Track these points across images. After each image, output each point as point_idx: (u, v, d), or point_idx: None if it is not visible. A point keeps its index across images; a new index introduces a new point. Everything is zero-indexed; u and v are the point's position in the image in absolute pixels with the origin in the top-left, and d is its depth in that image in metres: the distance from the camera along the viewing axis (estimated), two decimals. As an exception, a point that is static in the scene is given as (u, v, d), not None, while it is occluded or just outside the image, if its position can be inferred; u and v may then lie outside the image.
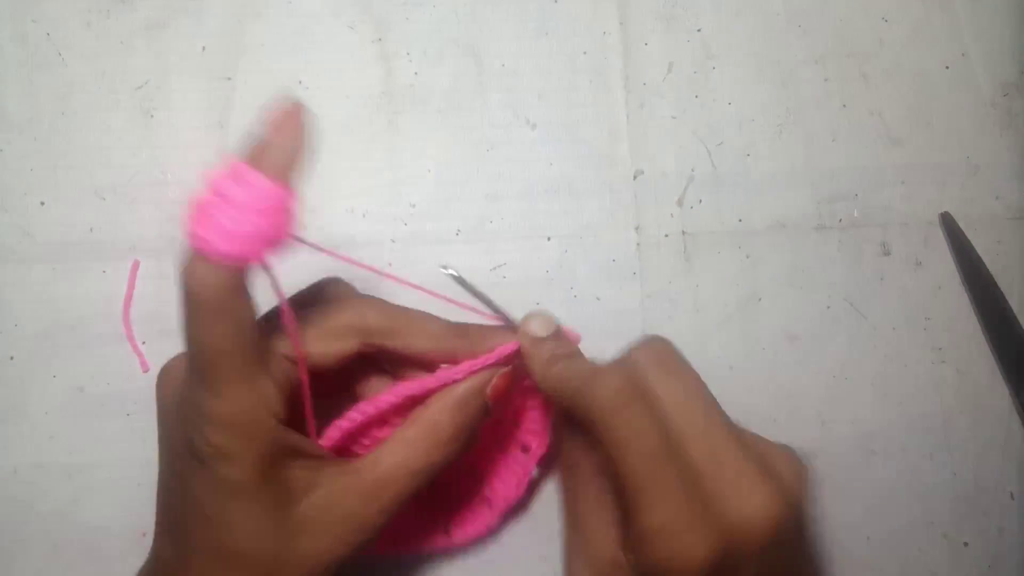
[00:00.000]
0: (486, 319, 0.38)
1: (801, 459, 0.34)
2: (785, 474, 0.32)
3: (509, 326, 0.37)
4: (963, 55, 0.50)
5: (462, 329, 0.37)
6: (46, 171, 0.45)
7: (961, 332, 0.47)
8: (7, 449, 0.43)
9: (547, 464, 0.42)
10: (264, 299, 0.32)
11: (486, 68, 0.48)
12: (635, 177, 0.47)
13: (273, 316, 0.33)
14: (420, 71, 0.47)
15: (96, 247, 0.44)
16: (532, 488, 0.41)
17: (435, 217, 0.46)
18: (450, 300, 0.37)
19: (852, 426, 0.46)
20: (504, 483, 0.40)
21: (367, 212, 0.46)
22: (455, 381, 0.34)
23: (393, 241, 0.46)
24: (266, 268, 0.30)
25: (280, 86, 0.46)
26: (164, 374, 0.34)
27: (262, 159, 0.29)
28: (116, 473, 0.43)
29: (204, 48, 0.47)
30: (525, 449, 0.41)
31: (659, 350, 0.35)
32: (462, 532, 0.40)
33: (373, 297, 0.37)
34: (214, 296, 0.29)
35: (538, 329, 0.36)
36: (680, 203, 0.47)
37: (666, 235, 0.47)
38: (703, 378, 0.34)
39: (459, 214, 0.46)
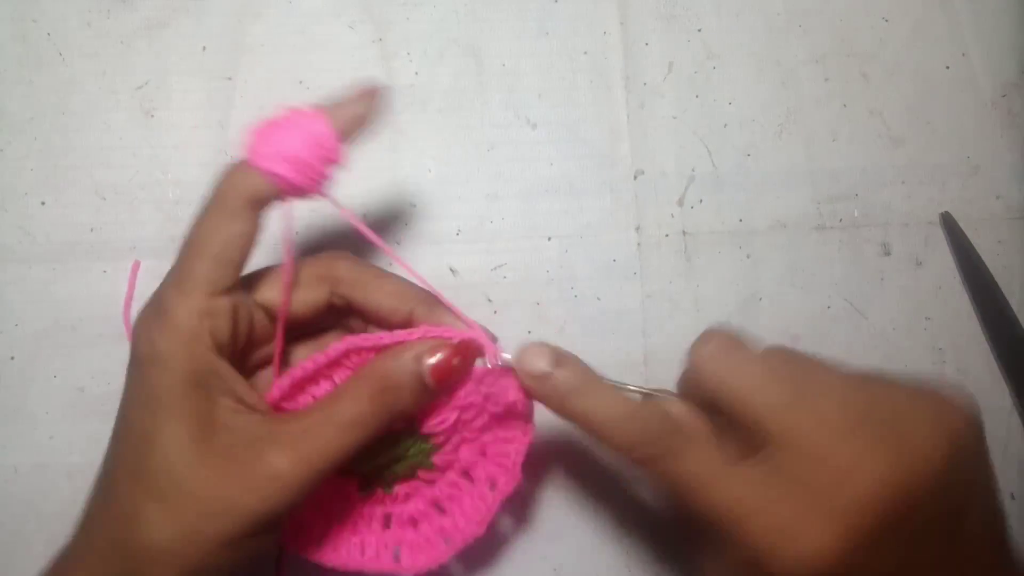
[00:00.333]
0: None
1: (953, 393, 0.29)
2: (906, 425, 0.28)
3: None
4: (963, 55, 0.50)
5: (429, 299, 0.35)
6: (46, 171, 0.45)
7: (961, 332, 0.47)
8: (7, 449, 0.43)
9: (515, 501, 0.39)
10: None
11: (486, 68, 0.48)
12: (635, 177, 0.47)
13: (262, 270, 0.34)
14: (420, 71, 0.47)
15: (96, 247, 0.44)
16: (492, 525, 0.38)
17: (435, 217, 0.46)
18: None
19: (852, 426, 0.46)
20: (466, 519, 0.37)
21: (367, 212, 0.46)
22: (400, 343, 0.33)
23: (393, 241, 0.46)
24: (290, 199, 0.32)
25: (280, 86, 0.46)
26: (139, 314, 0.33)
27: (329, 110, 0.32)
28: (116, 473, 0.43)
29: (204, 48, 0.47)
30: (492, 485, 0.37)
31: (724, 339, 0.32)
32: (412, 562, 0.37)
33: (347, 254, 0.37)
34: (237, 200, 0.31)
35: (536, 362, 0.33)
36: (680, 203, 0.47)
37: (666, 235, 0.47)
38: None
39: (459, 214, 0.46)
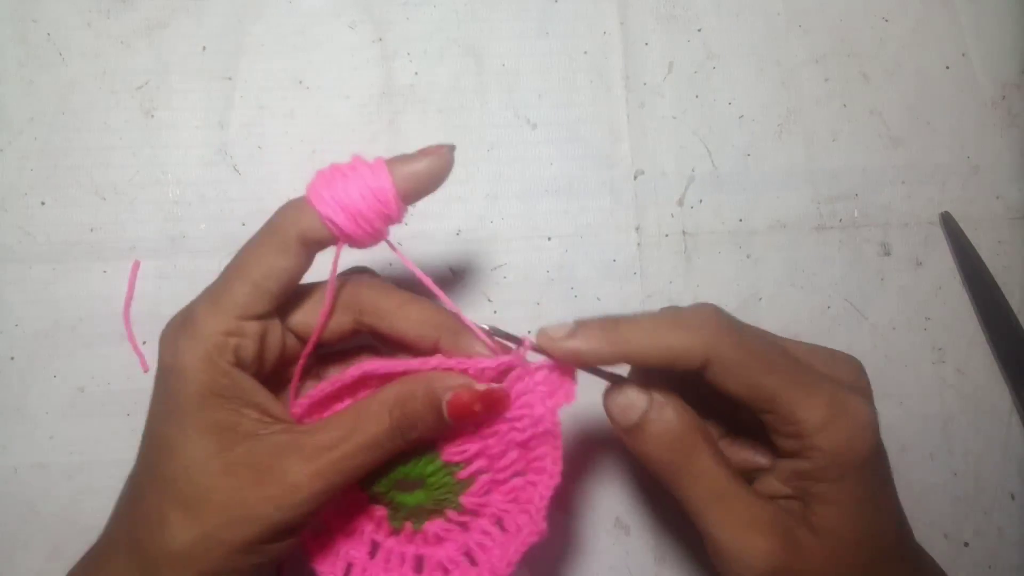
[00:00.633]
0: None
1: (846, 356, 0.35)
2: (853, 378, 0.35)
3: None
4: (963, 55, 0.50)
5: (455, 326, 0.35)
6: (46, 171, 0.45)
7: (961, 332, 0.47)
8: (7, 449, 0.43)
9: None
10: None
11: (486, 68, 0.48)
12: (635, 177, 0.47)
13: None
14: (420, 71, 0.47)
15: (96, 247, 0.44)
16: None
17: (435, 217, 0.46)
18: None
19: (852, 426, 0.46)
20: (492, 571, 0.35)
21: (367, 212, 0.46)
22: (417, 370, 0.33)
23: (393, 241, 0.46)
24: (340, 242, 0.33)
25: (280, 86, 0.46)
26: (167, 324, 0.34)
27: (395, 164, 0.32)
28: (116, 473, 0.42)
29: (204, 48, 0.47)
30: (518, 531, 0.35)
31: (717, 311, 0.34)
32: None
33: (378, 280, 0.37)
34: (289, 235, 0.32)
35: (628, 410, 0.33)
36: (680, 203, 0.47)
37: (666, 235, 0.47)
38: None
39: (459, 214, 0.46)
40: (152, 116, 0.46)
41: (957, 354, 0.47)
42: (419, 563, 0.36)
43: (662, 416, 0.33)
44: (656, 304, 0.46)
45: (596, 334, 0.32)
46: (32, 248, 0.44)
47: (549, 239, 0.46)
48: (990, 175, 0.49)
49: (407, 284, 0.41)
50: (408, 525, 0.36)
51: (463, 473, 0.35)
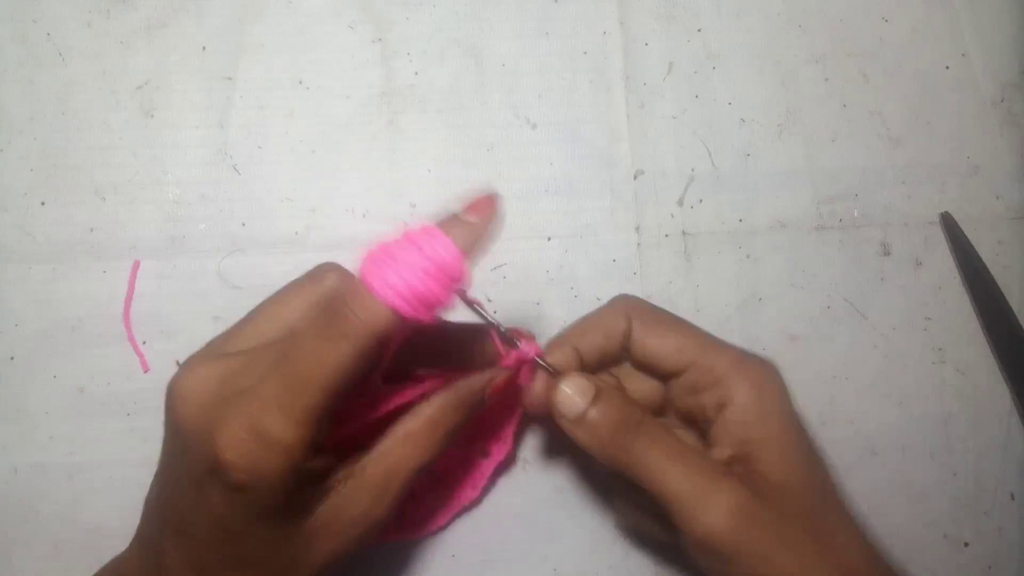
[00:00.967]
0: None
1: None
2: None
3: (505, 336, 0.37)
4: (963, 55, 0.50)
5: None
6: (46, 171, 0.45)
7: (961, 332, 0.47)
8: (7, 449, 0.43)
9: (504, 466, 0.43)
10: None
11: (486, 68, 0.48)
12: (635, 177, 0.47)
13: None
14: (420, 71, 0.47)
15: (96, 247, 0.44)
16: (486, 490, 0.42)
17: (435, 217, 0.46)
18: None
19: (852, 426, 0.46)
20: (461, 485, 0.41)
21: (367, 212, 0.46)
22: (450, 381, 0.35)
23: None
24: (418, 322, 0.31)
25: (280, 86, 0.46)
26: (184, 387, 0.31)
27: (450, 228, 0.31)
28: (116, 473, 0.43)
29: (204, 48, 0.47)
30: (485, 454, 0.41)
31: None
32: (412, 528, 0.41)
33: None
34: (364, 334, 0.30)
35: (576, 399, 0.34)
36: (680, 203, 0.47)
37: (666, 235, 0.47)
38: None
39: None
40: (152, 116, 0.46)
41: (957, 354, 0.47)
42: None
43: (610, 398, 0.35)
44: (656, 304, 0.46)
45: (561, 351, 0.37)
46: (32, 248, 0.44)
47: (549, 239, 0.46)
48: (990, 175, 0.49)
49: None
50: None
51: None
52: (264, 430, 0.29)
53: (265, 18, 0.47)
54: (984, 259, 0.47)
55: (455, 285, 0.31)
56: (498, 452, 0.41)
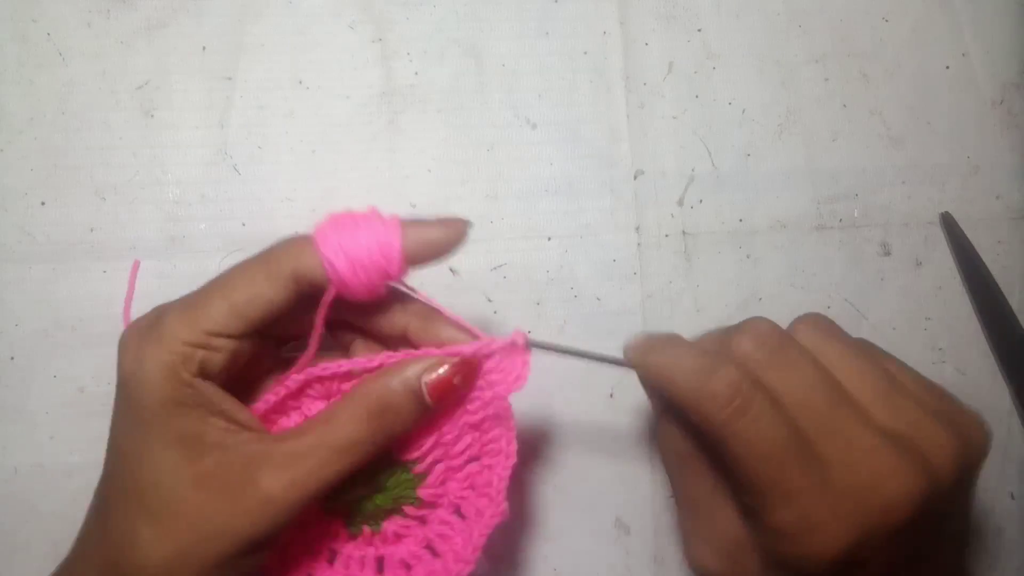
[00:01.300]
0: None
1: (974, 423, 0.32)
2: (933, 447, 0.30)
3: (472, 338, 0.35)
4: (963, 55, 0.50)
5: (425, 312, 0.35)
6: (46, 171, 0.45)
7: (961, 332, 0.47)
8: (7, 449, 0.43)
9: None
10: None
11: (486, 68, 0.48)
12: (635, 177, 0.47)
13: None
14: (420, 71, 0.47)
15: (96, 247, 0.44)
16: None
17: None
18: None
19: (852, 426, 0.46)
20: (457, 559, 0.35)
21: (367, 212, 0.46)
22: (394, 363, 0.33)
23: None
24: (332, 287, 0.32)
25: (280, 86, 0.46)
26: (129, 327, 0.33)
27: (408, 225, 0.32)
28: (116, 473, 0.43)
29: (204, 48, 0.47)
30: (479, 517, 0.35)
31: (766, 336, 0.32)
32: None
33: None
34: (284, 267, 0.31)
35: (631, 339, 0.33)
36: (680, 203, 0.47)
37: (666, 235, 0.47)
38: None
39: (459, 214, 0.46)
40: (152, 116, 0.46)
41: (957, 354, 0.47)
42: (380, 564, 0.36)
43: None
44: (656, 304, 0.46)
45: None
46: (32, 248, 0.44)
47: (549, 239, 0.46)
48: (990, 175, 0.49)
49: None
50: (366, 528, 0.36)
51: (420, 467, 0.35)
52: (157, 326, 0.31)
53: (265, 18, 0.47)
54: (984, 259, 0.47)
55: (387, 269, 0.32)
56: (492, 517, 0.35)
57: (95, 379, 0.43)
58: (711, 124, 0.48)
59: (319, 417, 0.32)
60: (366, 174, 0.46)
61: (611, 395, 0.45)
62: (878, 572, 0.30)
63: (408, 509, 0.36)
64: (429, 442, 0.35)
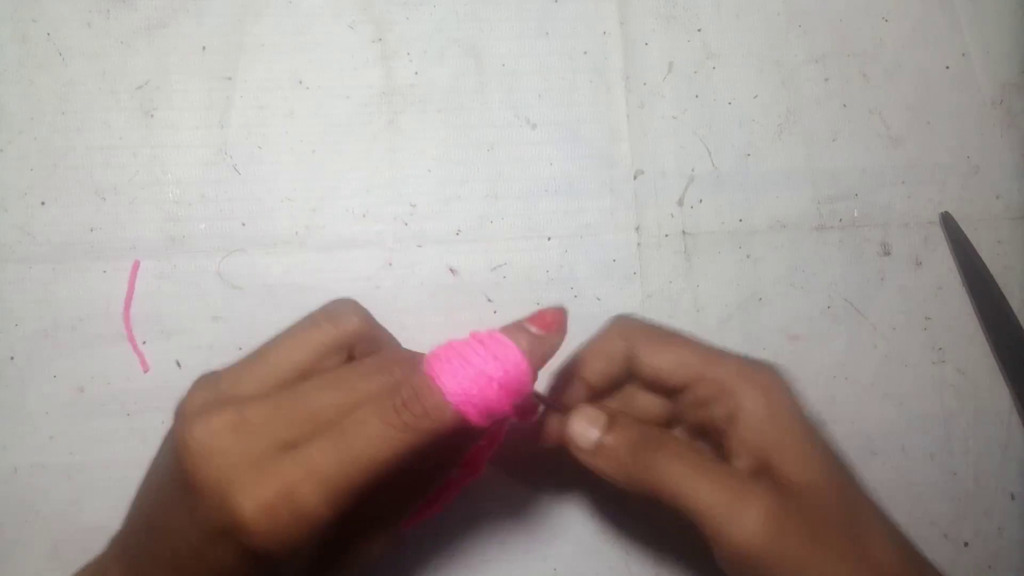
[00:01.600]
0: None
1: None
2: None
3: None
4: (963, 55, 0.50)
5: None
6: (46, 171, 0.45)
7: (961, 332, 0.47)
8: (7, 449, 0.43)
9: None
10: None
11: (486, 68, 0.48)
12: (635, 177, 0.47)
13: None
14: (420, 71, 0.47)
15: (96, 247, 0.44)
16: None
17: (435, 217, 0.46)
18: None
19: (852, 426, 0.46)
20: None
21: (367, 212, 0.46)
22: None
23: (393, 241, 0.46)
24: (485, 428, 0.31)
25: (280, 86, 0.46)
26: (200, 439, 0.28)
27: (526, 343, 0.31)
28: (116, 473, 0.43)
29: (204, 48, 0.47)
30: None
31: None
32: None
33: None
34: (426, 433, 0.29)
35: (590, 430, 0.35)
36: (680, 203, 0.47)
37: (666, 235, 0.47)
38: None
39: (459, 214, 0.46)
40: (152, 116, 0.46)
41: (957, 354, 0.47)
42: None
43: (624, 421, 0.34)
44: (656, 304, 0.46)
45: (568, 386, 0.37)
46: (32, 248, 0.44)
47: (549, 239, 0.46)
48: (990, 175, 0.49)
49: (403, 301, 0.41)
50: None
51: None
52: (299, 500, 0.27)
53: (265, 18, 0.47)
54: (984, 259, 0.47)
55: (520, 398, 0.30)
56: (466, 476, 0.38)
57: (95, 379, 0.43)
58: (711, 124, 0.48)
59: None
60: (366, 174, 0.46)
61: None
62: None
63: None
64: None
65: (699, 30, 0.49)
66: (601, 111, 0.48)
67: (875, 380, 0.47)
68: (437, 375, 0.29)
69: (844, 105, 0.49)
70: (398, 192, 0.46)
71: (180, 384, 0.32)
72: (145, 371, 0.43)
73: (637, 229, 0.47)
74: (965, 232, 0.47)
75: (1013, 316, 0.46)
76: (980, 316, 0.47)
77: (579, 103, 0.48)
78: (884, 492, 0.45)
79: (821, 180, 0.48)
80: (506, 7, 0.48)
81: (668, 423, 0.39)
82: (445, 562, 0.43)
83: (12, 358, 0.43)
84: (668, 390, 0.37)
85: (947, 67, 0.50)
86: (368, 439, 0.28)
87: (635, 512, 0.44)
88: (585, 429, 0.34)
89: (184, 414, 0.29)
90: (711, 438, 0.37)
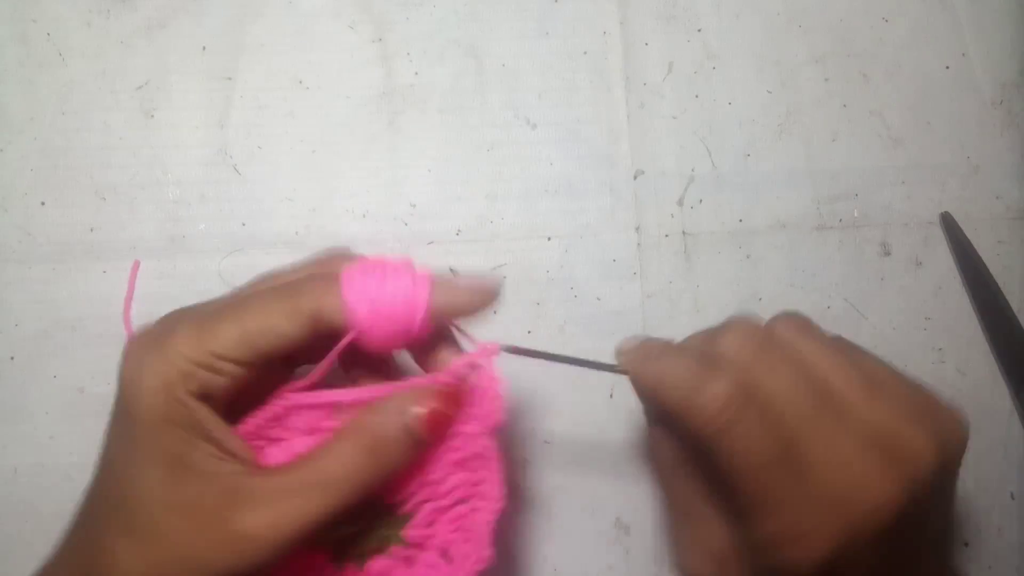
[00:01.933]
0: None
1: (952, 420, 0.32)
2: (911, 451, 0.30)
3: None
4: (963, 55, 0.50)
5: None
6: (46, 171, 0.45)
7: (961, 332, 0.47)
8: (7, 449, 0.43)
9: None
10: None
11: (486, 68, 0.48)
12: (635, 177, 0.47)
13: None
14: (420, 71, 0.47)
15: (96, 247, 0.44)
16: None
17: (435, 217, 0.46)
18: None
19: (852, 426, 0.46)
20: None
21: (367, 212, 0.46)
22: (384, 396, 0.32)
23: (393, 241, 0.46)
24: (351, 334, 0.31)
25: (280, 86, 0.46)
26: (137, 333, 0.31)
27: (442, 286, 0.31)
28: (116, 473, 0.43)
29: (204, 48, 0.47)
30: (449, 557, 0.34)
31: (751, 336, 0.33)
32: None
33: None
34: (304, 308, 0.30)
35: (629, 343, 0.35)
36: (680, 203, 0.47)
37: (666, 235, 0.47)
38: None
39: (459, 214, 0.46)
40: (152, 116, 0.46)
41: (957, 354, 0.47)
42: None
43: (651, 341, 0.34)
44: (656, 304, 0.46)
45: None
46: (32, 248, 0.44)
47: (549, 239, 0.46)
48: (990, 175, 0.49)
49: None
50: (350, 565, 0.34)
51: (406, 507, 0.34)
52: (165, 338, 0.29)
53: (265, 18, 0.47)
54: (984, 259, 0.47)
55: (409, 325, 0.31)
56: (476, 563, 0.34)
57: (95, 379, 0.43)
58: (711, 124, 0.48)
59: (309, 454, 0.31)
60: (366, 174, 0.46)
61: (611, 395, 0.45)
62: (862, 575, 0.31)
63: (394, 549, 0.34)
64: (415, 482, 0.34)
65: (699, 30, 0.49)
66: (601, 111, 0.48)
67: (875, 380, 0.46)
68: (344, 274, 0.31)
69: (844, 105, 0.49)
70: (398, 192, 0.46)
71: (180, 384, 0.32)
72: (145, 371, 0.43)
73: (637, 229, 0.47)
74: (965, 232, 0.47)
75: (1013, 316, 0.46)
76: (980, 316, 0.47)
77: (579, 103, 0.48)
78: (884, 492, 0.45)
79: (821, 180, 0.48)
80: (506, 7, 0.48)
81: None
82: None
83: (12, 358, 0.43)
84: None
85: (947, 67, 0.50)
86: (260, 306, 0.30)
87: (635, 512, 0.44)
88: (627, 343, 0.35)
89: (127, 349, 0.31)
90: None
